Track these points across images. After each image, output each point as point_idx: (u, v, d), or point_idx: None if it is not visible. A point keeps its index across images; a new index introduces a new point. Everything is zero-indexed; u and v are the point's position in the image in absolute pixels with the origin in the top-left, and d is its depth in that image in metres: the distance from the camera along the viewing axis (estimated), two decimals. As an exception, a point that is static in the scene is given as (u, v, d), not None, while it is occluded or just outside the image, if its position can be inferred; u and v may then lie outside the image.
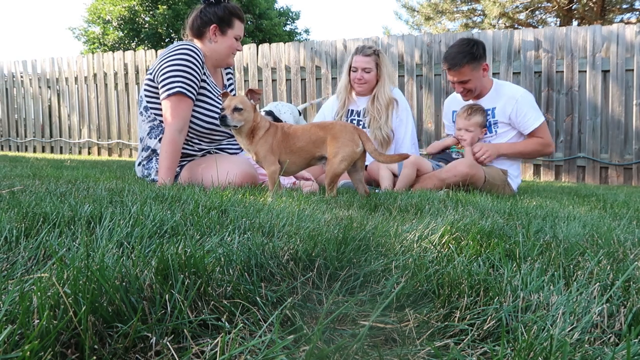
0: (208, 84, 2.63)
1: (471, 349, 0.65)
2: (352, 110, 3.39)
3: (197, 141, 2.66)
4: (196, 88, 2.53)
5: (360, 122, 3.35)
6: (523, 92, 2.99)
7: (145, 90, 2.61)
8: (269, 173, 2.16)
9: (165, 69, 2.49)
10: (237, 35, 2.70)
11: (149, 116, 2.61)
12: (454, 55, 2.90)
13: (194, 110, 2.57)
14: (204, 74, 2.61)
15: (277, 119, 4.24)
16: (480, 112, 2.95)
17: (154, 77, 2.56)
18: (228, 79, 2.95)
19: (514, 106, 2.92)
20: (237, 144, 2.87)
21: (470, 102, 3.05)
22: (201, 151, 2.68)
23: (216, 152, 2.73)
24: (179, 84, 2.45)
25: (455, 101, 3.21)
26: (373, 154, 2.17)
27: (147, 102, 2.61)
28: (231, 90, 2.92)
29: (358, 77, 3.26)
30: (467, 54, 2.87)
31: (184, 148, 2.63)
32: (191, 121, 2.57)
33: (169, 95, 2.45)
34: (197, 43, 2.68)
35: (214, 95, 2.66)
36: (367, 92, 3.32)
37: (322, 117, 3.49)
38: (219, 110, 2.65)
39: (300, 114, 4.64)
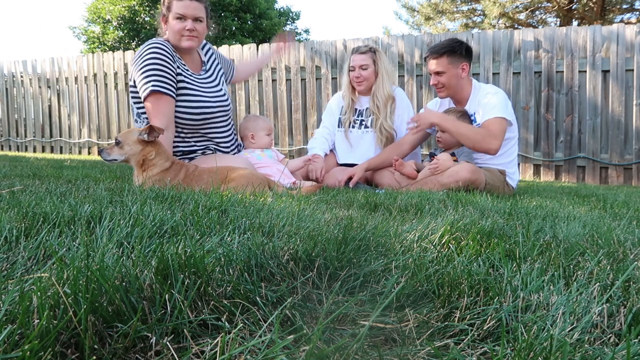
0: (185, 76, 2.60)
1: (471, 349, 0.64)
2: (356, 110, 3.39)
3: (191, 136, 2.66)
4: (171, 83, 2.50)
5: (363, 122, 3.35)
6: (499, 90, 2.97)
7: (132, 98, 2.64)
8: None
9: (138, 72, 2.50)
10: (177, 14, 2.54)
11: (142, 121, 2.63)
12: (436, 44, 3.01)
13: (179, 105, 2.55)
14: (178, 67, 2.57)
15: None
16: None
17: (133, 83, 2.57)
18: (206, 54, 2.86)
19: (484, 97, 2.90)
20: (233, 145, 2.87)
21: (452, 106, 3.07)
22: (198, 143, 2.68)
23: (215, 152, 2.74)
24: (152, 83, 2.45)
25: (439, 106, 3.20)
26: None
27: (137, 108, 2.63)
28: (214, 60, 2.86)
29: (356, 75, 3.26)
30: (449, 47, 2.94)
31: (183, 147, 2.64)
32: (181, 117, 2.56)
33: (146, 97, 2.47)
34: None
35: (195, 84, 2.62)
36: (368, 90, 3.31)
37: (330, 115, 3.48)
38: (204, 98, 2.63)
39: None
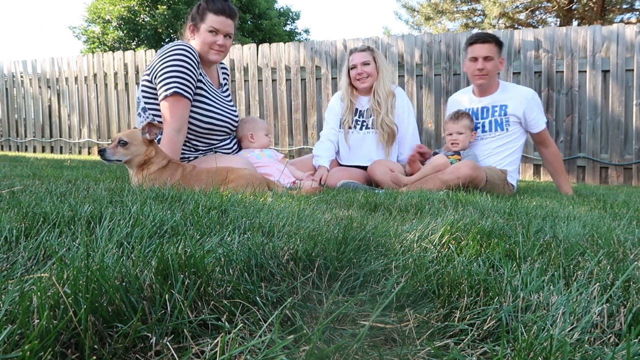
0: (204, 84, 2.63)
1: (471, 349, 0.64)
2: (357, 110, 3.38)
3: (195, 142, 2.66)
4: (192, 88, 2.53)
5: (365, 122, 3.34)
6: (533, 92, 3.13)
7: (142, 91, 2.62)
8: None
9: (162, 69, 2.49)
10: (211, 27, 2.60)
11: (147, 117, 2.61)
12: (485, 33, 3.12)
13: (192, 111, 2.57)
14: (200, 74, 2.60)
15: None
16: (467, 116, 3.02)
17: (151, 78, 2.56)
18: (223, 78, 2.94)
19: (528, 104, 3.05)
20: (231, 147, 2.87)
21: (460, 109, 3.13)
22: (197, 151, 2.69)
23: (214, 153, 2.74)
24: (175, 85, 2.45)
25: (457, 103, 3.25)
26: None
27: (145, 102, 2.61)
28: (226, 90, 2.91)
29: (359, 72, 3.27)
30: (496, 37, 3.07)
31: (184, 150, 2.64)
32: (190, 122, 2.58)
33: (166, 97, 2.46)
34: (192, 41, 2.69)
35: (211, 95, 2.65)
36: (369, 89, 3.31)
37: (334, 114, 3.47)
38: (217, 110, 2.66)
39: None
